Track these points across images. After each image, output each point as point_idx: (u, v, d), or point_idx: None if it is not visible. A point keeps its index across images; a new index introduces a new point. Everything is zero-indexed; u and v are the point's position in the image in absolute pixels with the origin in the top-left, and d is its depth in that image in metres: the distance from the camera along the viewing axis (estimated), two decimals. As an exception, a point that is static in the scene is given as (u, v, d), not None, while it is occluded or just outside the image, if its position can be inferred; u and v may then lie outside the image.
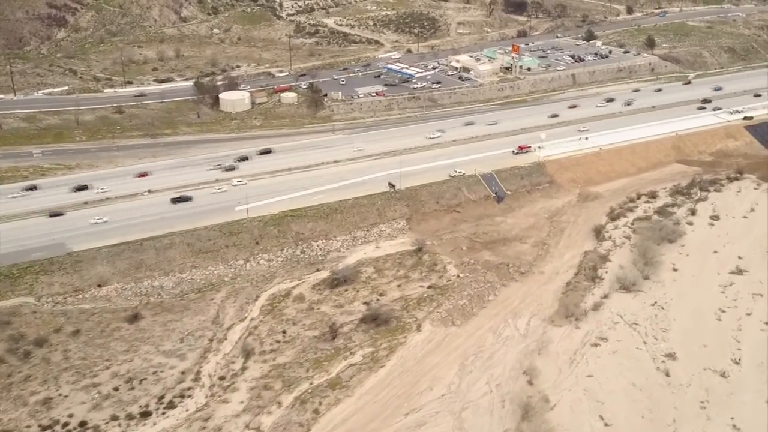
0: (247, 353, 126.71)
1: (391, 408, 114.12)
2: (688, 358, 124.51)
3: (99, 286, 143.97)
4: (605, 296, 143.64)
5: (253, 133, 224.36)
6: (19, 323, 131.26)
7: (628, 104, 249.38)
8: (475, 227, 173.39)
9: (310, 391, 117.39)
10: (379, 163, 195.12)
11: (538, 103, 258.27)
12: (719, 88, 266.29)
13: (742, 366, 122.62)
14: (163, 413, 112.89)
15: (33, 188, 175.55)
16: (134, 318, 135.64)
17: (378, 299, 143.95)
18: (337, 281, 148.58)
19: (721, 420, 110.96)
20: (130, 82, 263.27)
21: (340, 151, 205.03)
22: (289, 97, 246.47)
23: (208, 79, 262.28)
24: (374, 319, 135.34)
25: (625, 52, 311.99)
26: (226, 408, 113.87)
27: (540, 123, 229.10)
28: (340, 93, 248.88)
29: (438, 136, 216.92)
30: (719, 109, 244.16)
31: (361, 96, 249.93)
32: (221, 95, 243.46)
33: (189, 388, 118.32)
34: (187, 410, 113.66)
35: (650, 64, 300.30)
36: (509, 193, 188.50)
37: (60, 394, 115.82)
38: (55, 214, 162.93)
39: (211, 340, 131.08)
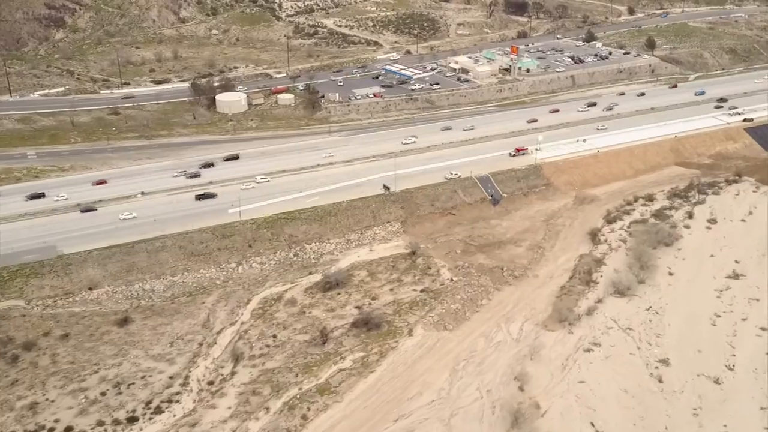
0: (237, 358, 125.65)
1: (380, 414, 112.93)
2: (682, 364, 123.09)
3: (90, 289, 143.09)
4: (599, 300, 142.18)
5: (248, 135, 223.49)
6: (7, 327, 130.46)
7: (609, 109, 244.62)
8: (471, 230, 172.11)
9: (298, 396, 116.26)
10: (377, 165, 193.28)
11: (519, 108, 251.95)
12: (702, 93, 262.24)
13: (736, 372, 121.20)
14: (150, 419, 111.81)
15: None
16: (124, 321, 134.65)
17: (370, 303, 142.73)
18: (329, 285, 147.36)
19: (713, 427, 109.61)
20: (127, 83, 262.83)
21: (310, 157, 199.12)
22: (286, 98, 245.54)
23: (205, 80, 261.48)
24: (366, 324, 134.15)
25: (625, 54, 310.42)
26: (213, 413, 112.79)
27: (517, 128, 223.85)
28: (337, 94, 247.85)
29: (413, 141, 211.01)
30: (734, 108, 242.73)
31: (358, 97, 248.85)
32: (217, 96, 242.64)
33: (177, 393, 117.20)
34: (174, 416, 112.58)
35: (650, 65, 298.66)
36: (505, 195, 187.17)
37: (47, 399, 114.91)
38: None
39: (200, 345, 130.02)
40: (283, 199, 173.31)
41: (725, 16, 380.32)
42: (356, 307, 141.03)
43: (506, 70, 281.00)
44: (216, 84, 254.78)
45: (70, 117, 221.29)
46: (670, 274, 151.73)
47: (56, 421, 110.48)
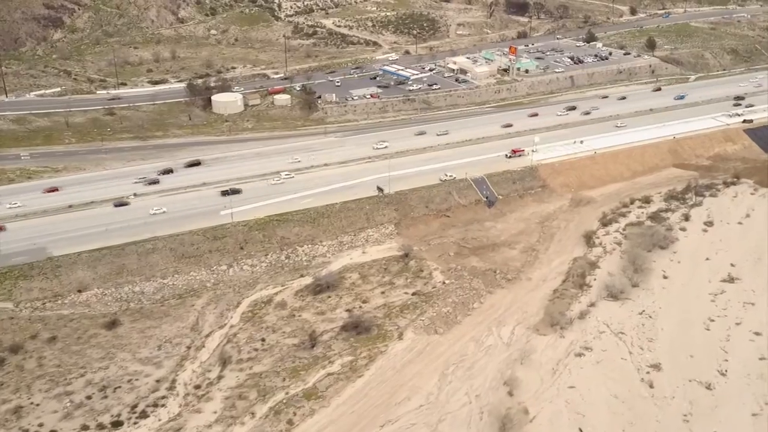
0: (224, 361, 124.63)
1: (366, 419, 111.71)
2: (674, 369, 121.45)
3: (79, 291, 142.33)
4: (592, 304, 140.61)
5: (244, 136, 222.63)
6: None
7: (587, 113, 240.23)
8: (464, 232, 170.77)
9: (285, 401, 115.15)
10: (372, 167, 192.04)
11: (498, 111, 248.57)
12: (681, 97, 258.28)
13: (728, 377, 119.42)
14: (135, 423, 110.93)
15: None
16: (112, 324, 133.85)
17: (361, 306, 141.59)
18: (320, 288, 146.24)
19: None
20: (124, 84, 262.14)
21: (279, 163, 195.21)
22: (283, 99, 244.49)
23: (201, 80, 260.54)
24: (355, 327, 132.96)
25: (625, 54, 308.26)
26: (198, 418, 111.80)
27: (492, 133, 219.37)
28: (334, 95, 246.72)
29: (384, 147, 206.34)
30: (752, 106, 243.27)
31: (355, 98, 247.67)
32: (213, 97, 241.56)
33: (163, 398, 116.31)
34: (159, 420, 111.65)
35: (650, 65, 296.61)
36: (500, 197, 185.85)
37: (32, 403, 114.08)
38: None
39: (188, 348, 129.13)
40: (265, 203, 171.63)
41: (728, 16, 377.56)
42: (347, 311, 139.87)
43: (505, 70, 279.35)
44: (212, 84, 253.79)
45: (65, 117, 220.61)
46: (665, 277, 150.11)
47: (40, 425, 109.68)
